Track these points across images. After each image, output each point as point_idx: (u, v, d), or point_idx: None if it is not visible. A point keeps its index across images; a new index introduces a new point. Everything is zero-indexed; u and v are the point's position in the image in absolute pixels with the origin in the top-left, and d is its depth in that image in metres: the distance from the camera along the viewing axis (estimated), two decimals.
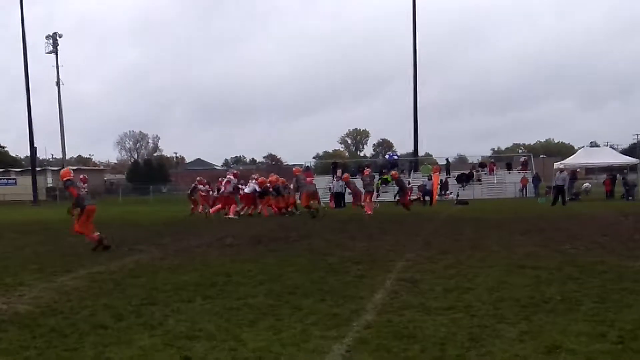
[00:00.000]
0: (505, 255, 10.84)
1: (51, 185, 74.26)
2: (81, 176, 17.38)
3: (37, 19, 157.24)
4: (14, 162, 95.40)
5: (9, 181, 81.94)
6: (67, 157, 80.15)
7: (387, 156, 59.16)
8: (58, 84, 68.46)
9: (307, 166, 55.79)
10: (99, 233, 13.09)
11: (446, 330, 5.68)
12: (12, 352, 5.25)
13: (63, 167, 71.62)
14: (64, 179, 13.54)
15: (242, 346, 5.31)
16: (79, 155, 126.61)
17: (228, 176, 26.42)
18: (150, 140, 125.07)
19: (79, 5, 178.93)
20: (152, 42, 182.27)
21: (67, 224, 21.54)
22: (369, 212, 24.93)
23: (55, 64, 68.26)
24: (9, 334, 5.84)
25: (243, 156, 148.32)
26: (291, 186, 27.48)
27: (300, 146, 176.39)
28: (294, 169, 30.22)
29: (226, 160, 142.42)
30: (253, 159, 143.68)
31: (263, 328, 5.88)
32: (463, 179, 47.74)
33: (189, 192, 30.07)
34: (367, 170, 28.95)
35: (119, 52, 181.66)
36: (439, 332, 5.64)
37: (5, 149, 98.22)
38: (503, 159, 64.01)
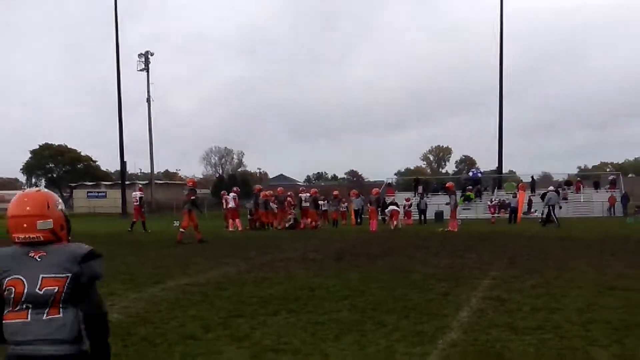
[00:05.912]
0: (595, 276, 10.51)
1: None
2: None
3: (138, 37, 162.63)
4: (105, 176, 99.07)
5: (99, 194, 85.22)
6: (155, 172, 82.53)
7: (470, 173, 58.19)
8: (148, 100, 70.88)
9: (389, 182, 55.64)
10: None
11: (534, 351, 5.59)
12: None
13: (151, 182, 73.86)
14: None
15: None
16: (166, 170, 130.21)
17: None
18: (235, 156, 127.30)
19: (182, 24, 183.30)
20: (250, 60, 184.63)
21: (154, 236, 22.24)
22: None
23: (146, 82, 70.83)
24: None
25: (325, 172, 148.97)
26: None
27: (382, 163, 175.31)
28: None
29: (308, 176, 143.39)
30: (335, 175, 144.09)
31: (348, 343, 5.92)
32: None
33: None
34: (449, 183, 29.90)
35: (215, 70, 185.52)
36: (527, 352, 5.56)
37: (97, 163, 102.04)
38: (590, 178, 61.80)
